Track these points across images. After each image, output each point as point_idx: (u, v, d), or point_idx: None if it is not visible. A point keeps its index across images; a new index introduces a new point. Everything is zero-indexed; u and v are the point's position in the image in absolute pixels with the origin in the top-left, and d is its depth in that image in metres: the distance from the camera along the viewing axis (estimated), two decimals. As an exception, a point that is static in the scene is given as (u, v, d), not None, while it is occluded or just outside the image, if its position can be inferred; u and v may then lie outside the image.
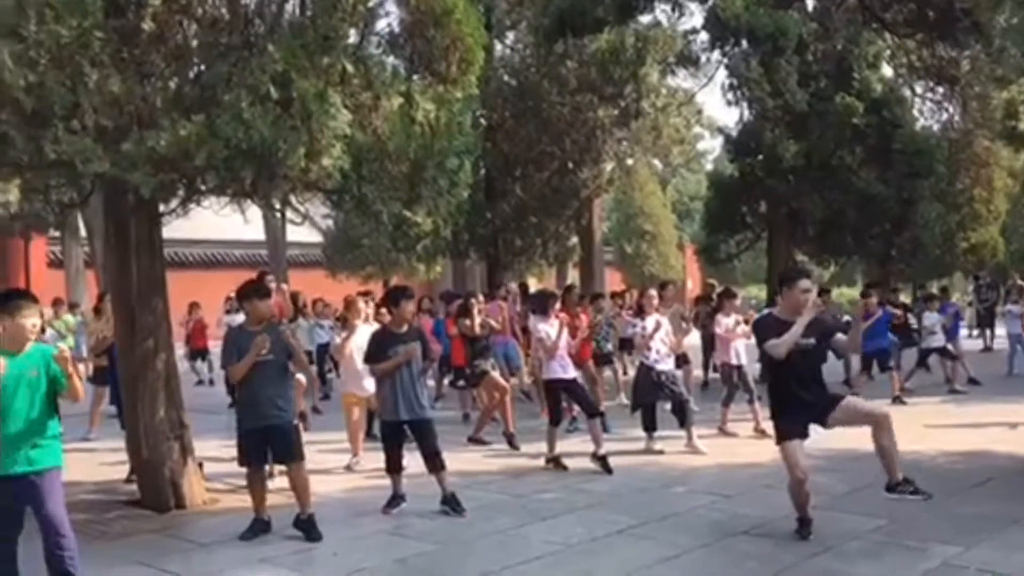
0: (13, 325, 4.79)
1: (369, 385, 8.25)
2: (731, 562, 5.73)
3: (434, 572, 5.64)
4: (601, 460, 8.32)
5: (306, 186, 6.42)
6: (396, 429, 7.04)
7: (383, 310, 9.50)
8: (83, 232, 21.07)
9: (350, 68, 6.54)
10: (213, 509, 7.38)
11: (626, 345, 13.36)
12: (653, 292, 9.96)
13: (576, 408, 9.66)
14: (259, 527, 6.47)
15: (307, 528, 6.37)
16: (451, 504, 6.93)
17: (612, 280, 28.94)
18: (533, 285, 25.37)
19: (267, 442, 6.44)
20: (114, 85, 5.80)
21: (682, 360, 11.71)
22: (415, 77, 7.10)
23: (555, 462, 8.51)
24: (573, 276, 25.07)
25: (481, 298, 11.74)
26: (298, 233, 28.13)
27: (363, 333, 8.34)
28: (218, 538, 6.45)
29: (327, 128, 5.97)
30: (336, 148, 6.12)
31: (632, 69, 15.77)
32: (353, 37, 6.98)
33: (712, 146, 56.22)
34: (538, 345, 9.03)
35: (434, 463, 6.98)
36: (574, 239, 19.42)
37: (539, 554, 5.91)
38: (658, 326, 9.34)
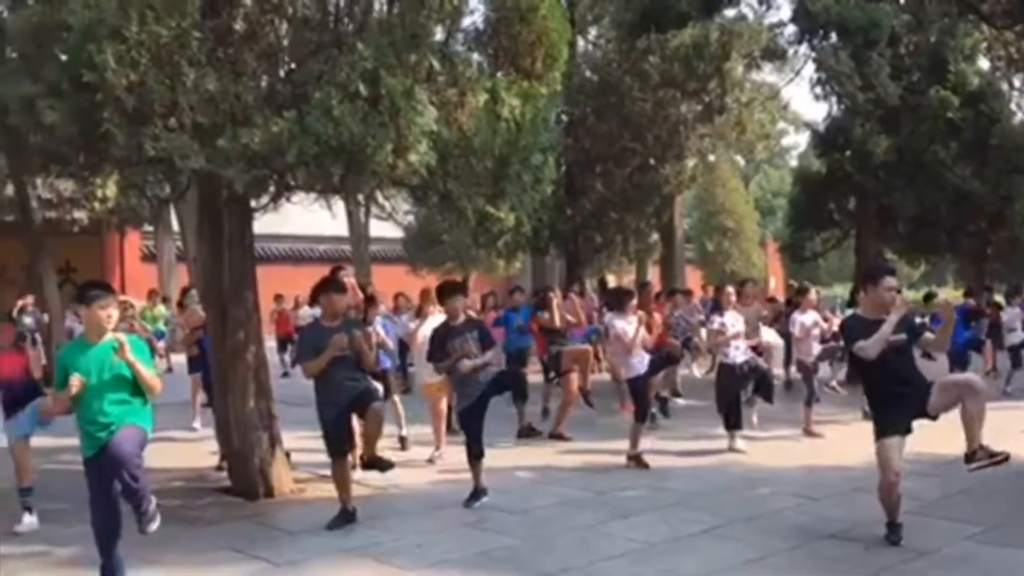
0: (90, 315, 4.93)
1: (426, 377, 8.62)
2: (819, 566, 5.61)
3: (517, 565, 5.65)
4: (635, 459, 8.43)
5: (392, 182, 6.50)
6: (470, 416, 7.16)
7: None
8: (175, 227, 21.73)
9: (436, 65, 6.60)
10: (300, 498, 7.55)
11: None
12: (731, 288, 9.89)
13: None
14: (345, 517, 6.58)
15: (375, 463, 6.63)
16: (475, 496, 7.06)
17: (692, 278, 28.56)
18: (612, 282, 25.32)
19: (349, 418, 6.68)
20: (210, 83, 5.98)
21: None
22: (500, 73, 7.13)
23: (637, 460, 8.45)
24: (653, 273, 24.82)
25: (558, 292, 11.74)
26: (380, 228, 28.50)
27: (436, 322, 8.42)
28: (305, 527, 6.59)
29: (414, 125, 6.03)
30: (422, 144, 6.17)
31: (716, 64, 15.54)
32: (439, 35, 7.05)
33: (796, 141, 55.21)
34: (615, 342, 9.00)
35: (475, 450, 7.12)
36: (655, 236, 19.23)
37: (622, 551, 5.88)
38: (734, 323, 9.27)
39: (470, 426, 7.15)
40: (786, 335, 13.77)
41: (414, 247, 27.51)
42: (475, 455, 7.09)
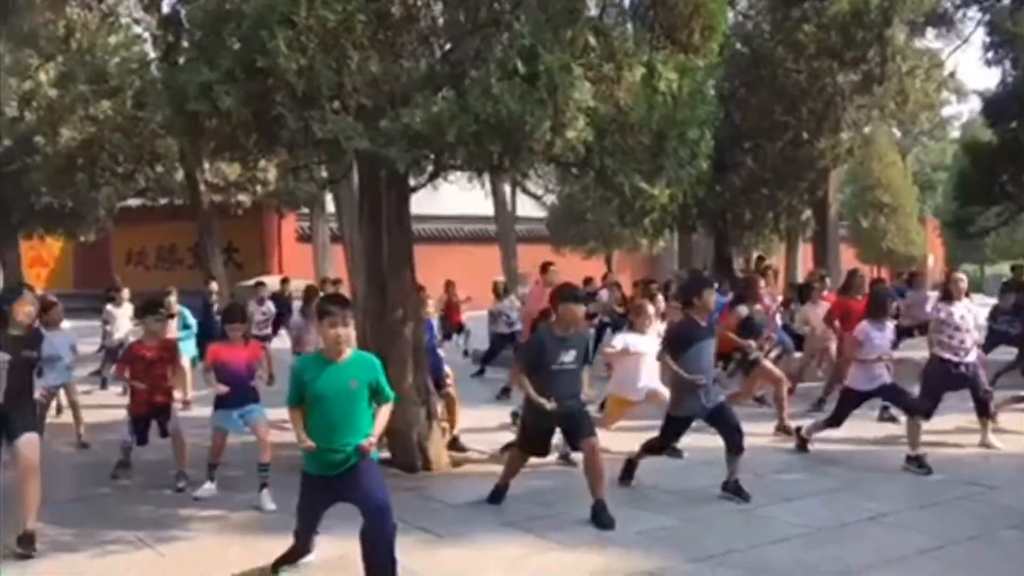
0: (324, 332, 4.66)
1: (646, 386, 8.10)
2: (1004, 556, 5.30)
3: (677, 546, 5.59)
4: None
5: (549, 159, 6.49)
6: (687, 424, 6.93)
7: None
8: (330, 209, 22.54)
9: (592, 40, 6.54)
10: (457, 472, 7.70)
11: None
12: (961, 275, 8.80)
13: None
14: (503, 492, 6.66)
15: (598, 512, 6.07)
16: (732, 490, 6.64)
17: (846, 256, 27.40)
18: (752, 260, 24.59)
19: (553, 430, 6.46)
20: (373, 65, 6.13)
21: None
22: (656, 47, 6.99)
23: (798, 439, 8.19)
24: (803, 252, 23.99)
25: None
26: (523, 208, 28.75)
27: (647, 340, 8.17)
28: (464, 499, 6.72)
29: (572, 101, 6.00)
30: (579, 121, 6.14)
31: (877, 31, 14.75)
32: (594, 9, 6.99)
33: (959, 111, 52.09)
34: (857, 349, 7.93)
35: (734, 443, 6.70)
36: (807, 212, 18.53)
37: (785, 536, 5.72)
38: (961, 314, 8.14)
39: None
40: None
41: (557, 226, 27.58)
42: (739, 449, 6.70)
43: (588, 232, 26.37)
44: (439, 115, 5.95)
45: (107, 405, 11.44)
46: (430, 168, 6.65)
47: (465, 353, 16.52)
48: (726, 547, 5.50)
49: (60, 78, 15.00)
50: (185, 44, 6.97)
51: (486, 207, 25.80)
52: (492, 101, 5.88)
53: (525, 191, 27.94)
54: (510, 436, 8.89)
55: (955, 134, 46.10)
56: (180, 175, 16.93)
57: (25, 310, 5.73)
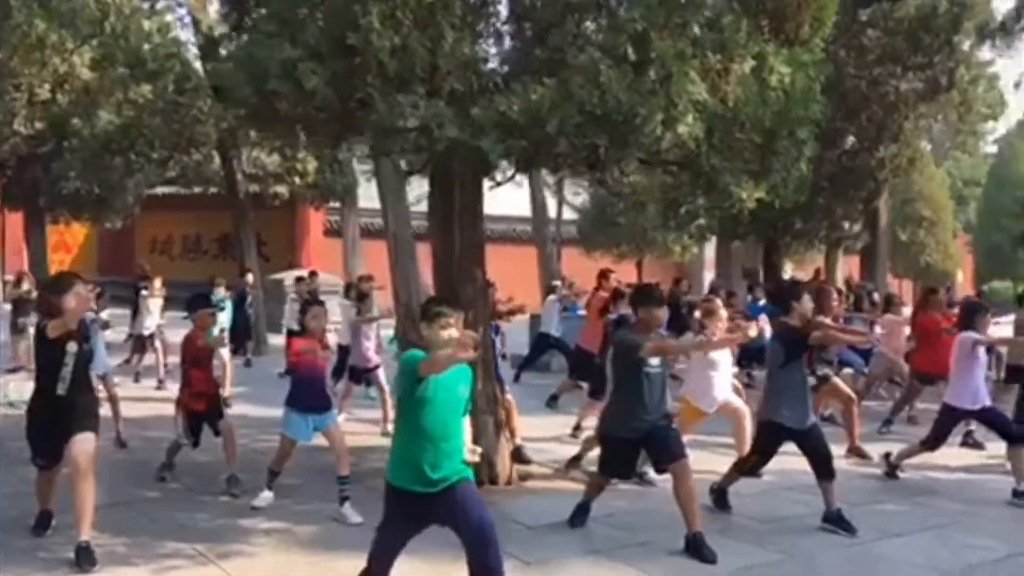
0: (431, 334, 4.22)
1: (719, 398, 7.58)
2: None
3: (792, 586, 5.08)
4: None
5: (652, 156, 5.98)
6: (780, 436, 6.38)
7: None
8: (361, 203, 22.06)
9: (696, 30, 6.02)
10: (525, 488, 7.21)
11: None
12: None
13: None
14: (586, 511, 6.16)
15: (695, 547, 5.52)
16: (836, 522, 6.09)
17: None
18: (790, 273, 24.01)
19: (639, 449, 5.96)
20: (466, 47, 5.64)
21: None
22: (762, 38, 6.48)
23: (888, 465, 7.68)
24: (844, 264, 23.38)
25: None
26: (553, 209, 28.23)
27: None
28: (542, 520, 6.21)
29: (685, 92, 5.49)
30: (689, 115, 5.63)
31: (945, 36, 14.20)
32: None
33: (992, 126, 51.14)
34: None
35: (826, 469, 6.23)
36: (857, 224, 17.94)
37: (910, 579, 5.21)
38: None
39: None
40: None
41: (589, 228, 27.08)
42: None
43: (620, 235, 25.92)
44: (539, 103, 5.44)
45: (141, 398, 11.04)
46: (520, 162, 6.10)
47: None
48: (850, 590, 4.99)
49: (97, 61, 14.55)
50: (255, 18, 6.47)
51: (517, 207, 25.28)
52: (599, 90, 5.38)
53: (558, 192, 27.45)
54: (565, 447, 8.44)
55: (990, 148, 45.25)
56: (216, 163, 16.47)
57: (84, 301, 5.30)
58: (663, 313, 5.96)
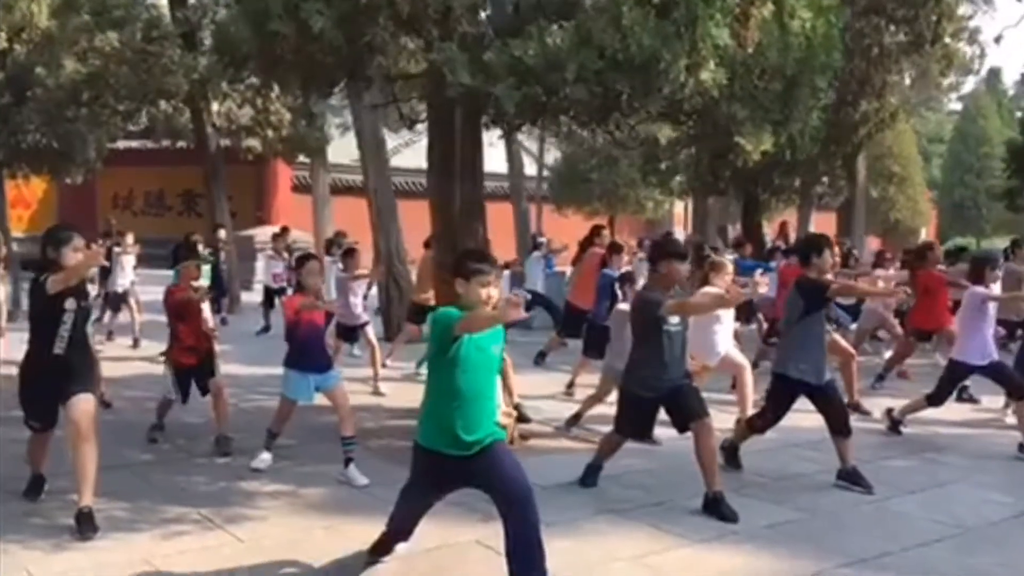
0: (469, 290, 3.98)
1: (722, 352, 7.48)
2: None
3: (820, 545, 4.97)
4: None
5: (673, 105, 5.74)
6: (796, 391, 6.21)
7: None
8: (331, 158, 21.56)
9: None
10: (529, 447, 7.02)
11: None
12: None
13: None
14: (596, 473, 6.02)
15: (715, 506, 5.39)
16: (852, 478, 6.02)
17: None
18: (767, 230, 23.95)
19: (660, 408, 5.78)
20: (480, -12, 5.35)
21: None
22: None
23: (890, 420, 7.63)
24: (818, 222, 23.40)
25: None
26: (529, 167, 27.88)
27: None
28: (552, 481, 6.02)
29: (709, 37, 5.26)
30: (711, 62, 5.40)
31: (932, -13, 14.04)
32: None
33: (955, 81, 51.30)
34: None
35: (843, 426, 6.13)
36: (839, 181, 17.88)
37: (937, 536, 5.13)
38: None
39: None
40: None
41: (560, 186, 26.82)
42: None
43: (591, 192, 25.74)
44: (556, 48, 5.20)
45: (118, 358, 10.71)
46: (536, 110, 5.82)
47: None
48: (880, 548, 4.89)
49: (61, 7, 13.88)
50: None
51: (492, 163, 24.93)
52: (620, 33, 5.13)
53: (540, 148, 27.07)
54: (561, 405, 8.30)
55: (954, 106, 45.58)
56: (187, 116, 15.91)
57: (93, 255, 5.02)
58: (686, 267, 5.77)
